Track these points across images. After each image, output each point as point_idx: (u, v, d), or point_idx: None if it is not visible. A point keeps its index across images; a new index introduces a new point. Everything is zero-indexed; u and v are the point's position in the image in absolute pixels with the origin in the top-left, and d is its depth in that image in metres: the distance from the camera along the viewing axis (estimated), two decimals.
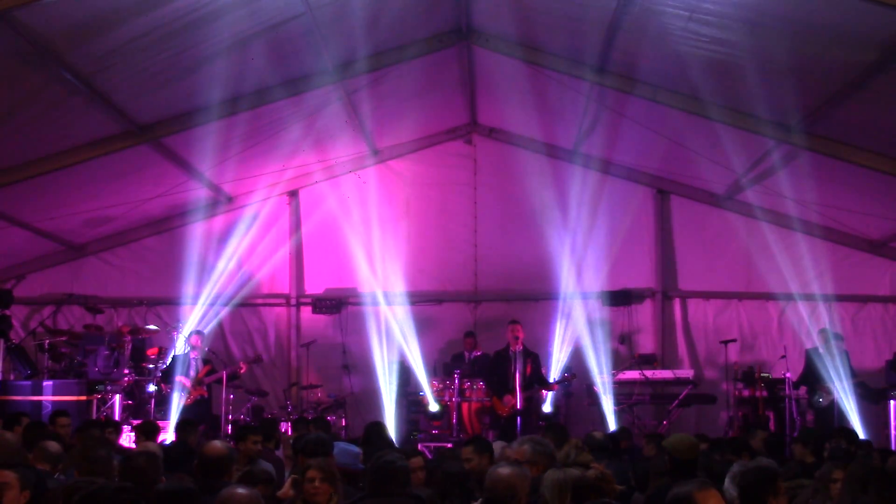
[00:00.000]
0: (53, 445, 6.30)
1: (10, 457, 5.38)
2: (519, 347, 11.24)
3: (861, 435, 10.27)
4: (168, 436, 9.92)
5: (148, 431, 8.34)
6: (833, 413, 11.21)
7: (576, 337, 12.64)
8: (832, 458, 6.73)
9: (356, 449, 7.13)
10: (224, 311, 13.22)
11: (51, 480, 5.48)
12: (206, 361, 11.92)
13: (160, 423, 10.62)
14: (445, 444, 11.02)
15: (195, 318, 12.75)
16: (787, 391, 11.52)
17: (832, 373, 11.20)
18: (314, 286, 13.79)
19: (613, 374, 12.17)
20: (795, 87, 9.08)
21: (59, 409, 9.37)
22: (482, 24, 10.55)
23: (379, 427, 8.10)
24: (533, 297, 13.18)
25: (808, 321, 12.67)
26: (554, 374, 12.23)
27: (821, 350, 11.67)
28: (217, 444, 5.53)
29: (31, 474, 4.73)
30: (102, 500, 3.69)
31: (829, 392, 11.25)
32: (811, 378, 11.50)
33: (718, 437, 9.47)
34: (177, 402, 11.19)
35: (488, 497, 4.65)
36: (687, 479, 5.58)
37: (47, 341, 11.63)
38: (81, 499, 3.71)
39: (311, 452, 5.60)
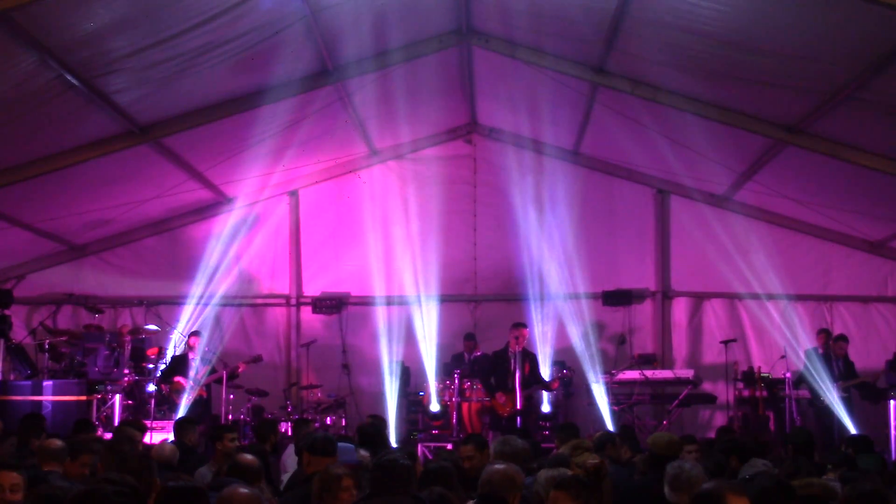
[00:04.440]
0: (55, 443, 6.26)
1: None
2: (518, 349, 11.25)
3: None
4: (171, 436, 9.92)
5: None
6: (815, 412, 11.41)
7: (575, 337, 12.64)
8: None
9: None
10: (224, 311, 13.21)
11: (56, 480, 5.46)
12: (205, 362, 11.91)
13: (162, 422, 10.67)
14: (445, 445, 11.04)
15: (195, 318, 12.75)
16: (787, 391, 11.53)
17: (823, 373, 11.25)
18: (314, 286, 13.79)
19: (613, 374, 12.17)
20: (795, 87, 9.09)
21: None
22: (482, 25, 10.55)
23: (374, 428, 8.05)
24: (532, 297, 13.16)
25: (808, 321, 12.70)
26: (552, 374, 12.24)
27: (820, 351, 11.72)
28: (247, 456, 5.59)
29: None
30: (99, 500, 3.66)
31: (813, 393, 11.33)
32: (802, 378, 11.55)
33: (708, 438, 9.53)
34: (184, 403, 11.20)
35: (483, 494, 4.68)
36: (662, 475, 5.65)
37: (47, 341, 11.61)
38: (76, 497, 3.67)
39: (320, 451, 5.62)
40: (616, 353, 13.13)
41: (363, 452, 6.38)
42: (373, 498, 4.73)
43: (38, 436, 7.41)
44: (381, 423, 9.01)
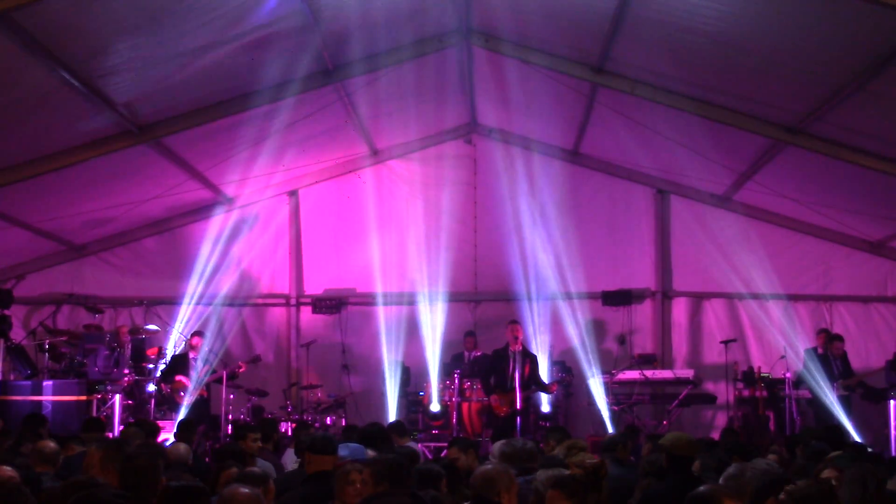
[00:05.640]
0: (49, 446, 6.24)
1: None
2: (518, 348, 11.24)
3: (856, 435, 10.37)
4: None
5: (147, 432, 8.32)
6: (813, 411, 11.45)
7: (575, 337, 12.64)
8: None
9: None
10: (224, 311, 13.21)
11: (48, 481, 5.46)
12: (205, 361, 11.91)
13: (162, 422, 10.66)
14: (445, 445, 11.04)
15: (195, 319, 12.75)
16: (787, 391, 11.54)
17: (822, 372, 11.27)
18: (314, 286, 13.79)
19: (613, 374, 12.18)
20: (795, 87, 9.09)
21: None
22: (482, 25, 10.55)
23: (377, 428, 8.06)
24: (532, 296, 13.16)
25: (808, 321, 12.70)
26: (552, 375, 12.25)
27: (820, 351, 11.74)
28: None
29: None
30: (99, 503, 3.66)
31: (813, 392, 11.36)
32: (802, 378, 11.57)
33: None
34: (185, 403, 11.20)
35: (473, 495, 4.72)
36: (683, 476, 5.62)
37: (47, 341, 11.61)
38: (77, 500, 3.68)
39: (320, 449, 5.66)
40: (616, 353, 13.13)
41: (370, 452, 6.41)
42: (373, 497, 4.74)
43: (38, 437, 7.38)
44: (398, 425, 9.03)
